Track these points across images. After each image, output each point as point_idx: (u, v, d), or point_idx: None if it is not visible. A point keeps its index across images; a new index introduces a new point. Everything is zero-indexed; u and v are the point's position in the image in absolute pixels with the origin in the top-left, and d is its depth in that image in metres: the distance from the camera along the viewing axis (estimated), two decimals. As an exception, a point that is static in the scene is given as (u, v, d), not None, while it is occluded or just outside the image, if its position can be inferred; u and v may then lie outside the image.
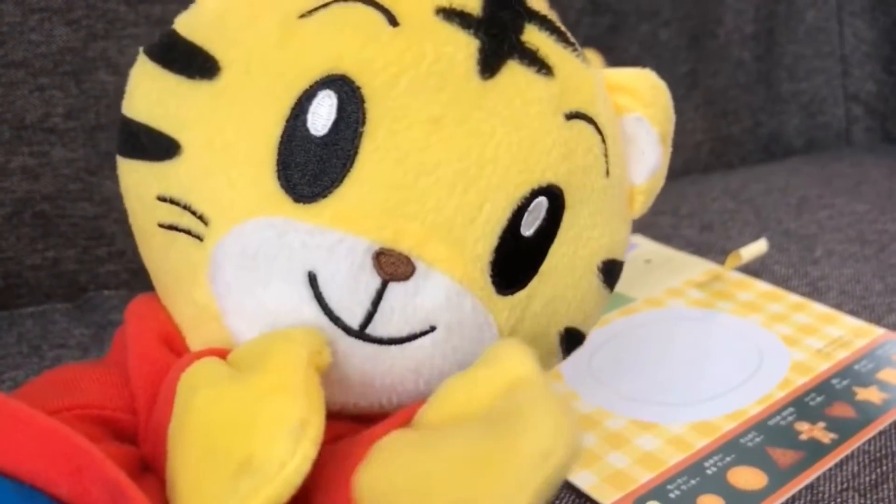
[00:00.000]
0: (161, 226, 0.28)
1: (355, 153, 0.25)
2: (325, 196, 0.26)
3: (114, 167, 0.62)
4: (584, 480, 0.37)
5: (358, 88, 0.26)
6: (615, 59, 0.86)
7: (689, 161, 0.86)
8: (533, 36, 0.29)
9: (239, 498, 0.22)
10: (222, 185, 0.26)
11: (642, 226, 0.65)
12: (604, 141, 0.30)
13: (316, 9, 0.27)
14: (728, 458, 0.38)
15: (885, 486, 0.37)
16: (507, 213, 0.27)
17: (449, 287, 0.26)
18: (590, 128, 0.29)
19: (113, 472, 0.23)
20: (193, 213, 0.27)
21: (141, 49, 0.30)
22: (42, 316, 0.55)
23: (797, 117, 0.92)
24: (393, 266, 0.25)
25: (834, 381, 0.43)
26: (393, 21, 0.27)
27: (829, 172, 0.78)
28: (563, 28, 0.30)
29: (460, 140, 0.26)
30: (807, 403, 0.42)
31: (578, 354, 0.46)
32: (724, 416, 0.41)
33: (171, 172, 0.27)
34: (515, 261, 0.28)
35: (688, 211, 0.68)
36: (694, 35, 0.85)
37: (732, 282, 0.54)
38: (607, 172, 0.30)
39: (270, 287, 0.26)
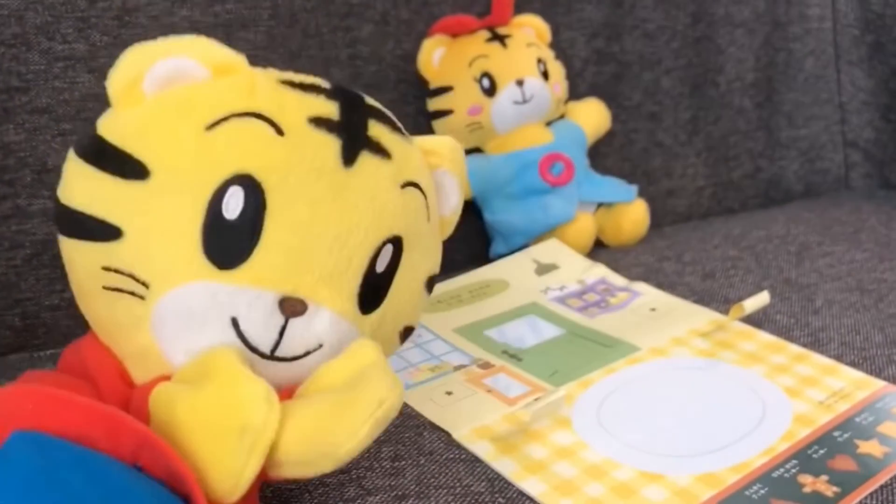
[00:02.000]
0: (106, 288, 0.36)
1: (260, 231, 0.35)
2: (241, 263, 0.34)
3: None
4: (593, 531, 0.38)
5: (259, 184, 0.35)
6: (619, 105, 0.89)
7: (691, 206, 0.88)
8: (375, 130, 0.39)
9: (246, 450, 0.32)
10: (161, 261, 0.35)
11: (648, 273, 0.67)
12: (426, 198, 0.40)
13: (219, 121, 0.35)
14: (733, 511, 0.39)
15: (887, 539, 0.38)
16: (367, 260, 0.37)
17: (332, 317, 0.36)
18: (417, 191, 0.40)
19: (139, 425, 0.32)
20: (137, 280, 0.35)
21: (72, 149, 0.38)
22: (60, 358, 0.56)
23: (797, 163, 0.94)
24: (292, 308, 0.35)
25: (836, 434, 0.44)
26: (279, 131, 0.36)
27: (828, 219, 0.79)
28: (393, 118, 0.41)
29: (335, 214, 0.36)
30: (809, 456, 0.43)
31: (587, 404, 0.48)
32: (729, 468, 0.42)
33: (116, 250, 0.35)
34: (373, 290, 0.38)
35: (691, 258, 0.69)
36: (695, 83, 0.88)
37: (735, 332, 0.55)
38: (428, 218, 0.41)
39: (205, 332, 0.35)
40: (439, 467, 0.43)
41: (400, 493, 0.41)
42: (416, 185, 0.39)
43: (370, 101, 0.40)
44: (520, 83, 0.70)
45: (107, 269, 0.35)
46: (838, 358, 0.52)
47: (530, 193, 0.71)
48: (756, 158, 0.92)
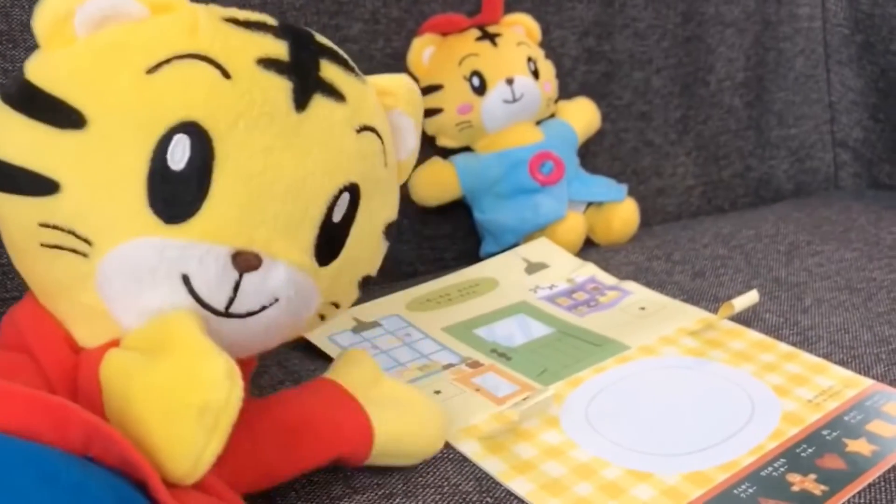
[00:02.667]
0: (45, 245, 0.33)
1: (209, 181, 0.33)
2: (190, 216, 0.33)
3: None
4: (581, 530, 0.38)
5: (206, 131, 0.33)
6: (609, 105, 0.89)
7: (681, 205, 0.88)
8: (328, 71, 0.37)
9: (207, 430, 0.30)
10: (104, 215, 0.33)
11: (637, 271, 0.67)
12: (382, 142, 0.39)
13: (159, 64, 0.33)
14: (722, 509, 0.39)
15: (875, 538, 0.38)
16: (323, 210, 0.35)
17: (288, 270, 0.34)
18: (373, 135, 0.38)
19: (86, 415, 0.30)
20: (78, 236, 0.33)
21: None
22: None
23: (786, 162, 0.94)
24: (246, 262, 0.33)
25: (824, 433, 0.44)
26: (226, 74, 0.33)
27: (817, 218, 0.79)
28: (346, 57, 0.39)
29: (288, 162, 0.34)
30: (798, 454, 0.43)
31: (576, 402, 0.48)
32: (717, 466, 0.42)
33: (53, 206, 0.33)
34: (330, 241, 0.36)
35: (680, 257, 0.69)
36: (686, 82, 0.88)
37: (724, 330, 0.55)
38: (386, 164, 0.39)
39: (155, 290, 0.33)
40: (427, 466, 0.42)
41: (387, 491, 0.41)
42: (372, 129, 0.38)
43: (321, 38, 0.38)
44: (510, 82, 0.70)
45: (44, 225, 0.33)
46: (827, 356, 0.52)
47: (520, 192, 0.71)
48: (746, 158, 0.92)
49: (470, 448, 0.44)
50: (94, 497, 0.28)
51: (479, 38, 0.72)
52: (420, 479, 0.42)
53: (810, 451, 0.43)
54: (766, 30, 0.91)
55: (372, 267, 0.41)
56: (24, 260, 0.36)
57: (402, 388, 0.43)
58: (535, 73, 0.72)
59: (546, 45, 0.77)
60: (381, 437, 0.40)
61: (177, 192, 0.32)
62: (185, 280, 0.33)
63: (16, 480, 0.27)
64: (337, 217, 0.36)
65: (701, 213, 0.89)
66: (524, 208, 0.71)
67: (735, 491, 0.40)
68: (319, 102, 0.35)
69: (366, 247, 0.39)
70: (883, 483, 0.41)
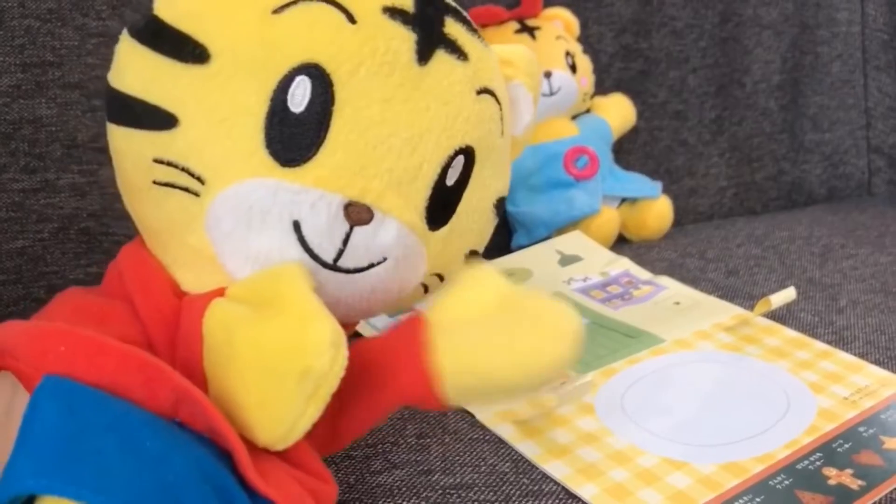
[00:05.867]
0: (157, 183, 0.33)
1: (327, 127, 0.32)
2: (306, 161, 0.32)
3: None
4: (617, 515, 0.38)
5: (328, 75, 0.32)
6: (644, 102, 0.89)
7: (713, 205, 0.88)
8: (452, 28, 0.36)
9: (305, 396, 0.29)
10: (220, 153, 0.32)
11: (671, 267, 0.67)
12: (501, 109, 0.37)
13: (286, 5, 0.33)
14: (758, 500, 0.39)
15: (912, 534, 0.38)
16: (437, 170, 0.34)
17: (399, 228, 0.34)
18: (492, 100, 0.37)
19: (178, 379, 0.30)
20: (191, 174, 0.32)
21: (125, 30, 0.35)
22: (85, 330, 0.56)
23: (820, 167, 0.94)
24: (358, 214, 0.32)
25: (860, 429, 0.44)
26: (351, 19, 0.33)
27: (851, 223, 0.79)
28: (469, 18, 0.38)
29: (406, 115, 0.33)
30: (834, 449, 0.43)
31: (610, 392, 0.48)
32: (753, 458, 0.42)
33: (169, 141, 0.32)
34: (442, 205, 0.35)
35: (714, 255, 0.69)
36: (721, 83, 0.87)
37: (760, 327, 0.55)
38: (502, 133, 0.38)
39: (264, 234, 0.32)
40: (464, 446, 0.43)
41: (426, 468, 0.41)
42: (491, 92, 0.37)
43: None
44: (547, 75, 0.71)
45: (159, 161, 0.33)
46: (863, 356, 0.51)
47: (554, 186, 0.71)
48: (779, 161, 0.91)
49: (505, 431, 0.44)
50: (177, 472, 0.27)
51: (517, 31, 0.72)
52: (457, 457, 0.42)
53: (847, 446, 0.43)
54: (804, 33, 0.91)
55: (480, 241, 0.39)
56: (136, 199, 0.36)
57: (520, 302, 0.35)
58: (573, 68, 0.72)
59: (583, 40, 0.78)
60: (451, 378, 0.34)
61: (294, 135, 0.32)
62: (296, 227, 0.32)
63: (99, 448, 0.26)
64: (450, 180, 0.35)
65: (733, 215, 0.89)
66: (558, 202, 0.71)
67: (771, 482, 0.40)
68: (441, 58, 0.35)
69: (476, 217, 0.37)
70: (921, 480, 0.40)
